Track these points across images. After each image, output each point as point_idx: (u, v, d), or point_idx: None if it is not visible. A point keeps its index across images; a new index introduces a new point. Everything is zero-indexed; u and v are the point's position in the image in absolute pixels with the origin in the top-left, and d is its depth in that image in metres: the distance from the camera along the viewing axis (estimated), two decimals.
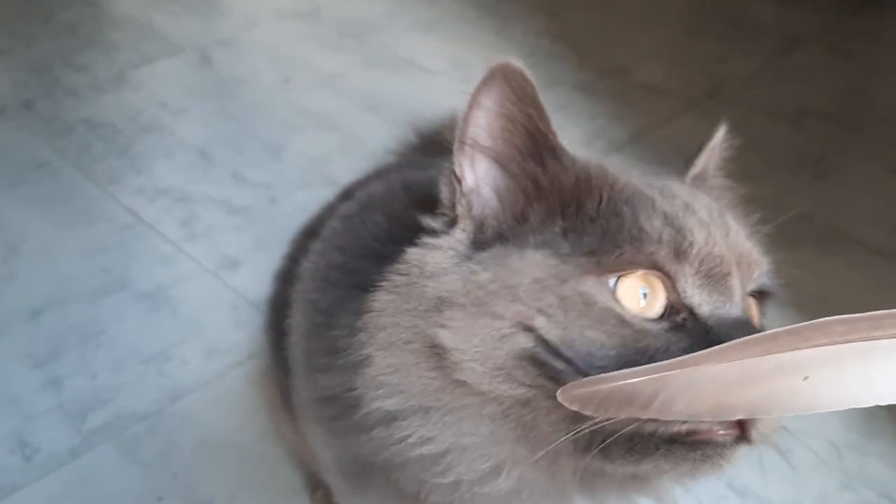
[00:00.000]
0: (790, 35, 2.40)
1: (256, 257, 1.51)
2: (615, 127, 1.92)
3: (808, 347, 0.51)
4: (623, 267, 0.58)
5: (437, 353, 0.59)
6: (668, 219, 0.59)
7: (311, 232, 0.94)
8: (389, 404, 0.62)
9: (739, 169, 1.92)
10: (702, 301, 0.58)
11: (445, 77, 2.15)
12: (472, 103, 0.63)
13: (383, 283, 0.63)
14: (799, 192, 1.74)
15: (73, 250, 1.54)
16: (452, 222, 0.64)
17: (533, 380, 0.57)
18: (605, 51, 2.27)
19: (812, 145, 1.89)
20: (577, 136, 1.89)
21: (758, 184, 1.89)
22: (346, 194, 0.99)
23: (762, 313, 0.67)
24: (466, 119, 0.63)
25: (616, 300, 0.57)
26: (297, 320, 0.78)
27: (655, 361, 0.53)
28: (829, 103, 2.06)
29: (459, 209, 0.63)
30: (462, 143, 0.63)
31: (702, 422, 0.55)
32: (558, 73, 2.14)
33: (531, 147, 0.63)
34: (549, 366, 0.56)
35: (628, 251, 0.58)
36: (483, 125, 0.63)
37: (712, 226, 0.61)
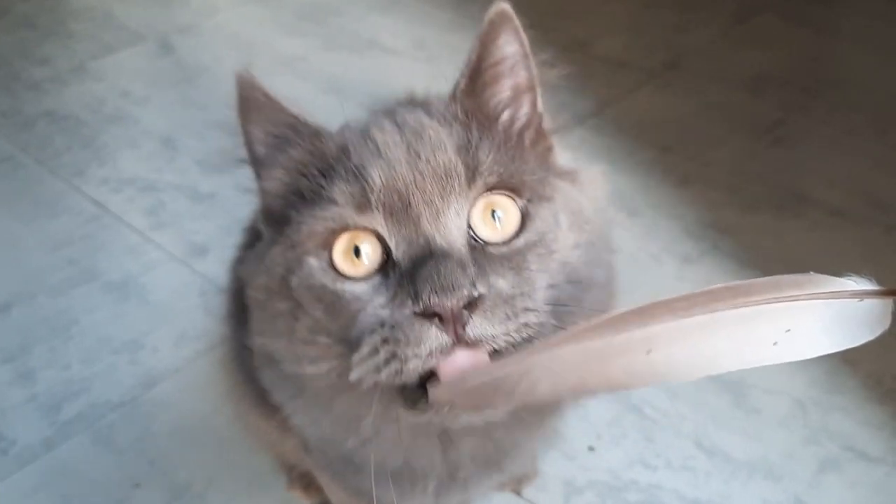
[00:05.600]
0: (747, 3, 2.42)
1: (224, 244, 1.50)
2: (577, 101, 1.94)
3: (652, 324, 0.55)
4: (326, 238, 0.63)
5: (266, 355, 0.69)
6: (354, 175, 0.63)
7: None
8: (279, 398, 0.74)
9: (700, 135, 1.95)
10: (397, 242, 0.62)
11: (407, 56, 2.15)
12: (240, 123, 0.70)
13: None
14: (758, 156, 1.77)
15: (40, 244, 1.53)
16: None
17: (326, 353, 0.64)
18: (565, 25, 2.27)
19: (770, 110, 1.92)
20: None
21: (718, 149, 1.92)
22: None
23: (532, 200, 0.67)
24: (245, 136, 0.70)
25: (333, 269, 0.62)
26: None
27: (362, 318, 0.60)
28: (787, 69, 2.09)
29: (259, 217, 0.72)
30: (253, 158, 0.71)
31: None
32: None
33: (287, 142, 0.69)
34: (320, 343, 0.64)
35: (319, 222, 0.63)
36: (255, 138, 0.70)
37: (400, 159, 0.64)
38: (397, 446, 0.72)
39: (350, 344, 0.62)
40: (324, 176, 0.65)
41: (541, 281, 0.64)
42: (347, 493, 0.95)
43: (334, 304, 0.62)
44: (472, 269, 0.60)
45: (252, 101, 0.68)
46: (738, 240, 1.54)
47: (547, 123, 0.75)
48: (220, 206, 1.61)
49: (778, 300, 0.56)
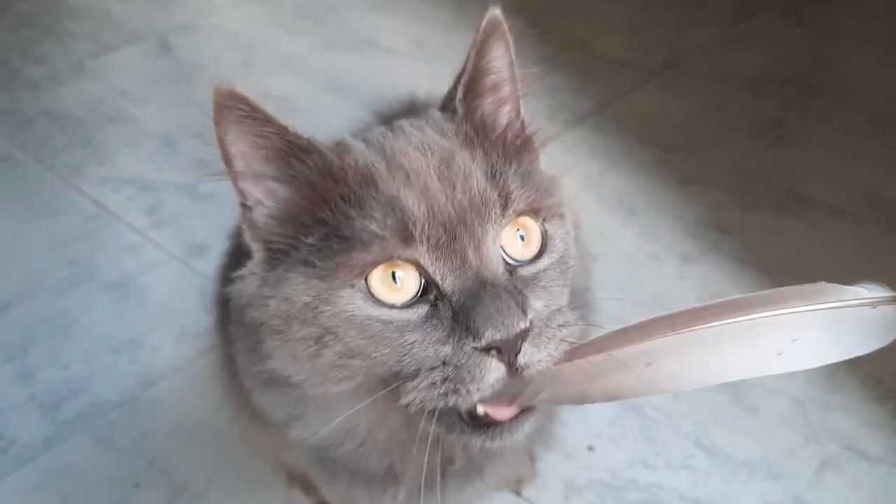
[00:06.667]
0: (746, 3, 2.42)
1: (223, 243, 1.51)
2: (577, 100, 1.94)
3: (652, 338, 0.58)
4: (364, 269, 0.62)
5: (275, 376, 0.68)
6: (390, 205, 0.62)
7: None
8: (273, 416, 0.74)
9: (700, 134, 1.95)
10: (443, 274, 0.62)
11: (407, 56, 2.15)
12: (217, 137, 0.65)
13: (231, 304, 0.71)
14: (758, 155, 1.77)
15: (39, 243, 1.53)
16: (253, 239, 0.68)
17: (355, 372, 0.65)
18: (565, 25, 2.28)
19: (770, 110, 1.92)
20: (539, 110, 1.90)
21: (718, 148, 1.92)
22: None
23: (552, 230, 0.69)
24: (222, 151, 0.66)
25: (372, 296, 0.62)
26: None
27: (417, 350, 0.61)
28: (786, 68, 2.09)
29: (247, 234, 0.68)
30: (233, 173, 0.66)
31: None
32: (519, 49, 2.14)
33: (282, 157, 0.65)
34: (353, 366, 0.64)
35: (359, 255, 0.61)
36: (236, 152, 0.66)
37: (435, 190, 0.63)
38: (388, 449, 0.75)
39: (396, 370, 0.63)
40: (347, 202, 0.63)
41: (565, 297, 0.67)
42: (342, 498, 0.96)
43: (381, 333, 0.62)
44: (521, 299, 0.61)
45: (233, 114, 0.64)
46: (738, 239, 1.54)
47: (531, 130, 0.75)
48: (219, 204, 1.61)
49: (782, 312, 0.56)
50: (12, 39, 2.18)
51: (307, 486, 1.14)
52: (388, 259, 0.61)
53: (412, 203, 0.62)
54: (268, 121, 0.64)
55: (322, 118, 1.84)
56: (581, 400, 0.60)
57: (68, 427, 1.22)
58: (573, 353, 0.59)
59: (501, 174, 0.66)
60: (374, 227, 0.61)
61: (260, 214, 0.67)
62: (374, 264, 0.61)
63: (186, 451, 1.20)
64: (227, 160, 0.65)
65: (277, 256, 0.66)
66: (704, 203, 1.63)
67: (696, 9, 2.38)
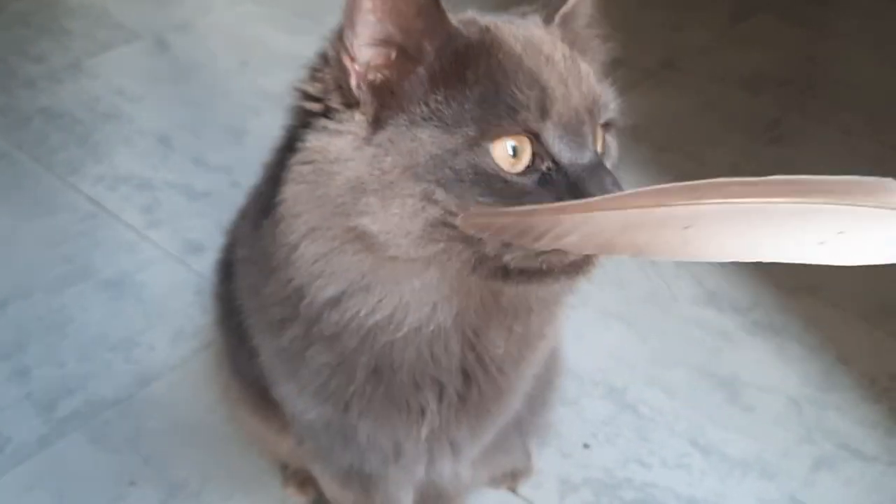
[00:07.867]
0: (744, 2, 2.42)
1: (220, 241, 1.51)
2: None
3: (696, 203, 0.56)
4: (501, 134, 0.65)
5: (359, 236, 0.66)
6: (533, 79, 0.66)
7: (245, 215, 0.95)
8: (329, 291, 0.70)
9: (697, 134, 1.94)
10: (562, 150, 0.66)
11: None
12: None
13: (289, 175, 0.68)
14: (755, 155, 1.77)
15: (35, 241, 1.53)
16: (348, 104, 0.67)
17: (447, 236, 0.65)
18: None
19: (768, 109, 1.92)
20: None
21: (715, 148, 1.92)
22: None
23: (610, 140, 0.75)
24: (355, 12, 0.67)
25: (494, 160, 0.64)
26: (239, 271, 0.84)
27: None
28: (784, 68, 2.09)
29: (358, 92, 0.67)
30: (352, 22, 0.67)
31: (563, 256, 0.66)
32: None
33: (418, 19, 0.66)
34: (449, 225, 0.65)
35: (506, 121, 0.65)
36: (374, 18, 0.67)
37: (568, 76, 0.68)
38: (440, 334, 0.75)
39: None
40: (491, 70, 0.66)
41: None
42: (339, 482, 0.96)
43: (500, 192, 0.64)
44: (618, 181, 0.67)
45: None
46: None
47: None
48: (215, 203, 1.61)
49: (842, 203, 0.54)
50: (9, 38, 2.17)
51: (302, 484, 1.14)
52: (526, 130, 0.65)
53: (553, 83, 0.66)
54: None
55: None
56: (606, 250, 0.60)
57: (64, 425, 1.22)
58: (611, 202, 0.59)
59: (601, 84, 0.72)
60: (519, 96, 0.65)
61: (371, 79, 0.68)
62: (509, 131, 0.64)
63: (182, 450, 1.20)
64: (356, 22, 0.67)
65: (387, 117, 0.66)
66: None
67: (694, 8, 2.37)
